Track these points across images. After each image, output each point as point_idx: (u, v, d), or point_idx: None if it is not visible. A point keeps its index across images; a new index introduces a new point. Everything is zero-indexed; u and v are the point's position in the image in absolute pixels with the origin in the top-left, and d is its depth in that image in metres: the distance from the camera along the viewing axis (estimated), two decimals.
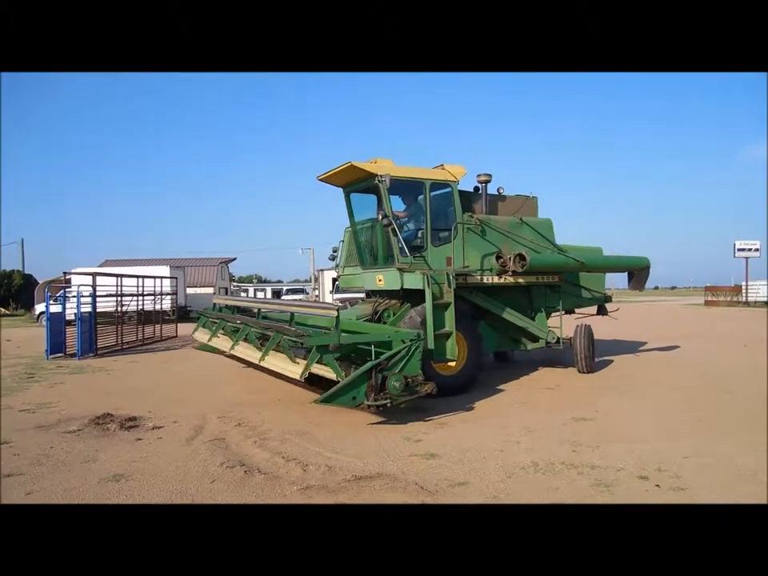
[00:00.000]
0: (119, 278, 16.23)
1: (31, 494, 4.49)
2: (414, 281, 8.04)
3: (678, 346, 13.84)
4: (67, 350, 13.97)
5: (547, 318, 10.25)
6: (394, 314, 8.63)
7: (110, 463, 5.29)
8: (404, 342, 6.49)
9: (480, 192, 9.62)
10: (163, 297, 19.63)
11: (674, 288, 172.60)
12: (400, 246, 8.16)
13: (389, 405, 6.20)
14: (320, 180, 9.14)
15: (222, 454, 5.50)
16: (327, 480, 4.73)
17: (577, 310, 11.37)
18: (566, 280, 10.30)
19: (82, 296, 13.95)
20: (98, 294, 14.91)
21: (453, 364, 8.32)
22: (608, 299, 11.64)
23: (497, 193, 9.84)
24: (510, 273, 8.98)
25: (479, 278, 9.02)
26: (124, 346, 15.90)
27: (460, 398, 8.13)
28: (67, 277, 18.11)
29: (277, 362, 7.17)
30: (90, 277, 15.97)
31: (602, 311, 11.62)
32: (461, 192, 9.11)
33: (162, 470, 5.08)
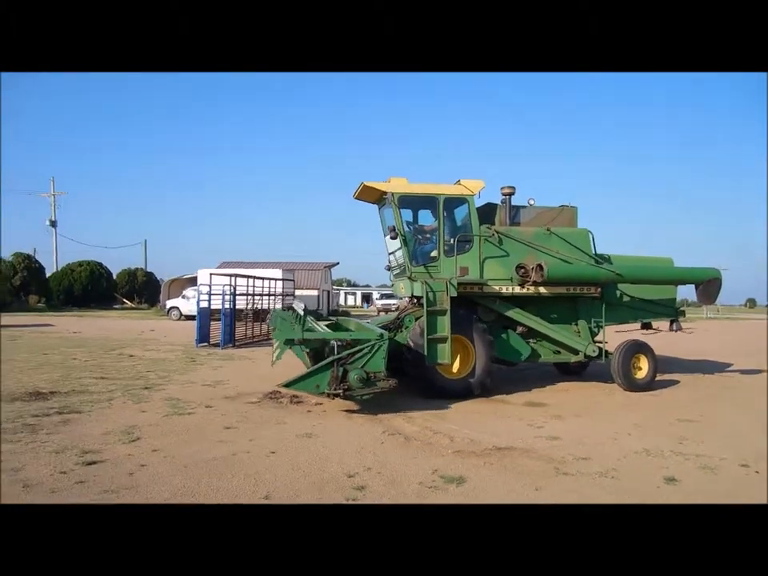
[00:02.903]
0: (252, 279, 18.50)
1: (253, 440, 6.08)
2: (417, 289, 8.99)
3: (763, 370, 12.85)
4: (210, 340, 16.25)
5: (594, 332, 10.07)
6: (416, 319, 9.08)
7: (296, 425, 6.83)
8: (370, 341, 7.33)
9: (504, 204, 9.90)
10: (284, 297, 21.87)
11: None
12: (409, 256, 9.21)
13: (341, 394, 7.06)
14: (356, 199, 10.06)
15: (380, 425, 6.90)
16: (473, 447, 5.97)
17: (654, 324, 11.01)
18: (622, 293, 10.30)
19: (226, 294, 16.16)
20: (237, 293, 17.14)
21: (455, 369, 8.92)
22: (680, 313, 11.31)
23: (527, 204, 10.05)
24: (531, 283, 9.28)
25: (498, 288, 9.39)
26: (254, 339, 18.07)
27: (572, 397, 9.13)
28: (194, 275, 20.68)
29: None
30: (210, 276, 18.11)
31: (674, 326, 11.10)
32: (488, 205, 9.93)
33: (339, 432, 6.54)
